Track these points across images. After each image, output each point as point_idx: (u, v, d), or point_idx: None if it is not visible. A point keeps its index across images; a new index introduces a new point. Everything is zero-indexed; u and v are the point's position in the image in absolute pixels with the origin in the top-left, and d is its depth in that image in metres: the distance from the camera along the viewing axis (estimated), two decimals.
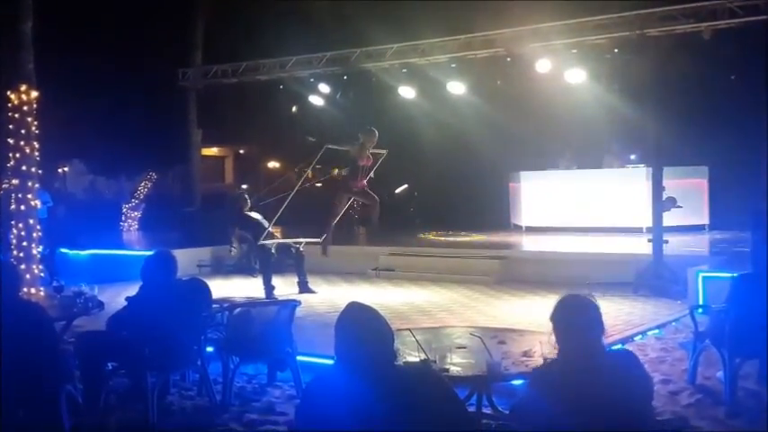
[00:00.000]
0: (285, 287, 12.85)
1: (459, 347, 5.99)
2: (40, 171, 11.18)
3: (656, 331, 9.47)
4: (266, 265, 12.73)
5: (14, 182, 10.91)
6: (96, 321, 7.62)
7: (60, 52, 20.05)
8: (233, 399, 7.01)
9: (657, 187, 12.40)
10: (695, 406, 6.65)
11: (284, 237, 12.94)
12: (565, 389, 3.72)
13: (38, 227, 11.11)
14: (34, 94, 11.01)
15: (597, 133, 18.16)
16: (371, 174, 11.94)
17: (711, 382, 7.20)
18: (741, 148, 16.23)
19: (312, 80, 18.10)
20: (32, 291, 10.33)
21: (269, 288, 12.39)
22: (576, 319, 3.87)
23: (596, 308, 3.92)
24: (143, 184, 25.56)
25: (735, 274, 7.53)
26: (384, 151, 12.15)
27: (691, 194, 16.00)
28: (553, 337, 3.93)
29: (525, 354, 5.74)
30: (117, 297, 8.53)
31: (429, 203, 22.13)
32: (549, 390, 3.79)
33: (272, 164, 37.56)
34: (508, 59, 15.56)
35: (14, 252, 10.86)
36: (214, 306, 7.46)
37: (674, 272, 11.79)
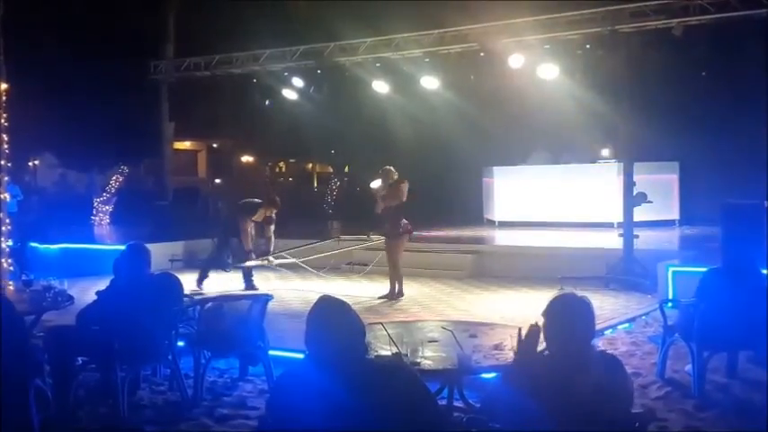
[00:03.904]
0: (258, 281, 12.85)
1: (431, 341, 6.01)
2: (9, 164, 11.04)
3: (627, 325, 9.55)
4: (216, 262, 12.81)
5: None
6: (66, 316, 7.57)
7: (31, 44, 19.85)
8: (204, 393, 6.98)
9: (628, 183, 12.49)
10: (664, 399, 6.72)
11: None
12: (546, 388, 3.66)
13: (7, 220, 10.97)
14: (4, 86, 10.87)
15: (570, 129, 18.24)
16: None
17: (680, 375, 7.27)
18: (711, 144, 16.40)
19: (286, 74, 18.04)
20: (1, 285, 10.21)
21: (203, 278, 12.45)
22: (569, 320, 3.76)
23: (591, 310, 3.82)
24: (114, 177, 25.35)
25: (705, 269, 7.60)
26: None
27: (661, 190, 16.12)
28: (539, 333, 3.87)
29: (496, 347, 5.76)
30: (87, 291, 8.46)
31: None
32: (528, 385, 3.72)
33: (246, 158, 37.46)
34: (481, 54, 15.59)
35: None
36: (185, 300, 7.42)
37: (644, 266, 11.89)
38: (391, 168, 11.52)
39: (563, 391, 3.64)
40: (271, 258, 12.87)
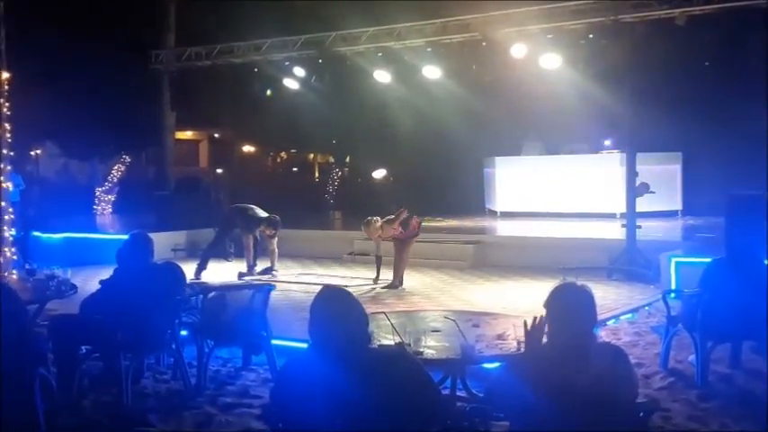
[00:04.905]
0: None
1: (434, 331, 6.01)
2: (11, 153, 11.04)
3: (629, 315, 9.55)
4: (216, 252, 13.04)
5: None
6: (70, 304, 7.58)
7: (32, 34, 19.80)
8: (208, 382, 7.00)
9: (631, 173, 12.46)
10: (667, 389, 6.72)
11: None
12: (548, 377, 3.66)
13: (10, 210, 10.99)
14: (5, 75, 10.87)
15: (572, 119, 18.21)
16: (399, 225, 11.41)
17: (683, 365, 7.27)
18: (714, 135, 16.36)
19: (287, 64, 17.99)
20: (5, 274, 10.23)
21: (202, 268, 12.51)
22: (570, 309, 3.78)
23: (592, 299, 3.83)
24: (116, 167, 25.37)
25: (708, 260, 7.59)
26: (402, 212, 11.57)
27: (664, 180, 16.11)
28: (545, 324, 3.84)
29: (499, 337, 5.77)
30: (91, 280, 8.48)
31: (404, 188, 22.13)
32: (531, 376, 3.72)
33: (247, 148, 37.41)
34: (484, 44, 15.54)
35: None
36: (188, 290, 7.43)
37: (647, 257, 11.88)
38: (369, 219, 11.53)
39: (565, 381, 3.63)
40: (275, 272, 12.87)
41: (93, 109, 23.87)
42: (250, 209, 12.79)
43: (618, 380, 3.72)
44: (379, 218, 11.51)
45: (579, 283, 3.98)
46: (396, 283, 11.53)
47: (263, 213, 12.67)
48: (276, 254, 12.88)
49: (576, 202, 17.36)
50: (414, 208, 11.77)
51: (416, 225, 11.65)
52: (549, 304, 3.84)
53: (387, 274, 11.69)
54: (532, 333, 3.95)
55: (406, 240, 11.62)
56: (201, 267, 12.49)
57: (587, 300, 3.82)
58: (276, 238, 12.76)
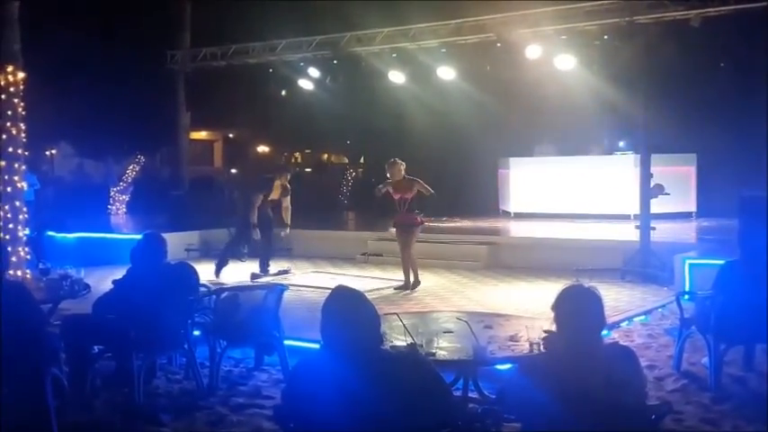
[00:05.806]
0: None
1: (446, 332, 6.01)
2: (26, 153, 11.10)
3: (643, 317, 9.51)
4: (233, 251, 13.02)
5: (1, 164, 10.83)
6: (83, 304, 7.61)
7: (48, 34, 19.92)
8: (220, 382, 7.02)
9: (645, 174, 12.43)
10: (681, 391, 6.69)
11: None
12: (559, 380, 3.67)
13: (24, 209, 11.04)
14: (21, 75, 10.92)
15: (587, 120, 18.15)
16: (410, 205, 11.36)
17: (697, 368, 7.24)
18: (729, 136, 16.28)
19: (302, 64, 18.01)
20: (18, 273, 10.28)
21: (221, 268, 12.58)
22: (578, 312, 3.78)
23: (599, 300, 3.84)
24: (131, 167, 25.46)
25: (722, 262, 7.55)
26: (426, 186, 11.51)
27: (678, 182, 16.02)
28: (554, 326, 3.87)
29: (512, 338, 5.76)
30: (104, 280, 8.49)
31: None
32: (542, 379, 3.73)
33: (262, 148, 37.51)
34: (498, 45, 15.50)
35: (0, 234, 10.79)
36: (201, 290, 7.45)
37: (661, 259, 11.83)
38: (395, 160, 11.47)
39: (575, 383, 3.64)
40: (288, 231, 12.88)
41: (107, 109, 24.01)
42: (257, 183, 12.88)
43: (626, 380, 3.72)
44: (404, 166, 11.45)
45: (587, 285, 3.97)
46: (408, 284, 11.52)
47: (269, 175, 12.72)
48: (290, 211, 12.81)
49: (589, 203, 17.31)
50: (426, 209, 11.72)
51: (419, 221, 11.54)
52: (556, 306, 3.85)
53: (399, 275, 11.71)
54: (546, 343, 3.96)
55: (408, 234, 11.47)
56: (221, 266, 12.52)
57: (594, 302, 3.83)
58: (289, 195, 12.73)
